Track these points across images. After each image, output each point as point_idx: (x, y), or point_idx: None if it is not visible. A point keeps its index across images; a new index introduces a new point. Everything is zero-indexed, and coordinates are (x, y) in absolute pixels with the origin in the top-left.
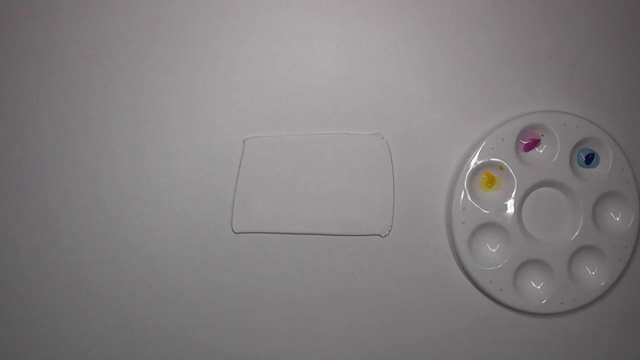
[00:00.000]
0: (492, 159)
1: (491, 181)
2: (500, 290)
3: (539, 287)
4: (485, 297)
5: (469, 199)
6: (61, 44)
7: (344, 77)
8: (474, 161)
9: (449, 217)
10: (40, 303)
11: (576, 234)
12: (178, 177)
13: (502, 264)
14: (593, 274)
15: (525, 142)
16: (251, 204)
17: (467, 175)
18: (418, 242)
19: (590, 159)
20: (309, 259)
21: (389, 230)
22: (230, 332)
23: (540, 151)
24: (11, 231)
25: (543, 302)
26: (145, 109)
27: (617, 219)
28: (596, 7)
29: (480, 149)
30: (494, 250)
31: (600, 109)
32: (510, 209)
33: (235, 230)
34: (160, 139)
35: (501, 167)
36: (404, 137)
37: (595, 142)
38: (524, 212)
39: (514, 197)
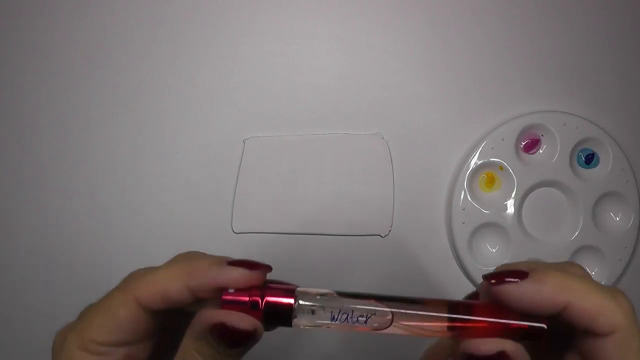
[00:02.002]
0: (492, 159)
1: (491, 181)
2: None
3: None
4: None
5: (469, 199)
6: (61, 44)
7: (344, 77)
8: (474, 161)
9: (449, 217)
10: (40, 303)
11: (576, 234)
12: (178, 177)
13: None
14: (593, 274)
15: (524, 143)
16: (251, 204)
17: (467, 175)
18: (418, 242)
19: (590, 159)
20: (309, 259)
21: (389, 230)
22: None
23: (541, 151)
24: (11, 231)
25: None
26: (145, 109)
27: (617, 219)
28: (596, 7)
29: (480, 149)
30: (494, 250)
31: (600, 109)
32: (510, 209)
33: (235, 230)
34: (160, 139)
35: (501, 167)
36: (404, 137)
37: (595, 142)
38: (524, 212)
39: (514, 197)
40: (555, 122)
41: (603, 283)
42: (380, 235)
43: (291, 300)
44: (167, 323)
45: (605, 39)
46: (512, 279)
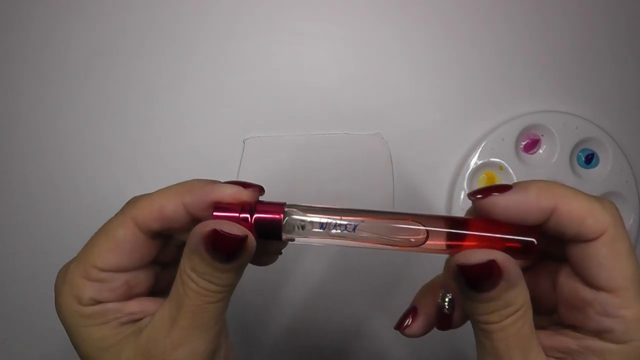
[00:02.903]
0: (492, 159)
1: (491, 181)
2: None
3: None
4: None
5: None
6: (62, 44)
7: (344, 77)
8: (474, 161)
9: None
10: (40, 303)
11: None
12: (178, 177)
13: None
14: None
15: (524, 143)
16: None
17: (467, 175)
18: None
19: (590, 159)
20: (309, 259)
21: None
22: (230, 332)
23: (541, 151)
24: (10, 231)
25: None
26: (146, 109)
27: None
28: (596, 7)
29: (480, 149)
30: None
31: (600, 109)
32: None
33: None
34: (160, 139)
35: (501, 167)
36: (404, 137)
37: (595, 142)
38: None
39: None
40: (555, 122)
41: None
42: None
43: (280, 215)
44: (167, 258)
45: (605, 39)
46: (497, 192)
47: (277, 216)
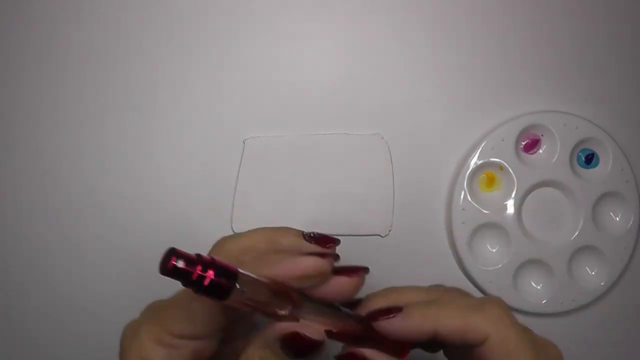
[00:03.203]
0: (492, 159)
1: (491, 181)
2: (500, 290)
3: (538, 287)
4: None
5: (469, 199)
6: (59, 44)
7: (344, 77)
8: (474, 161)
9: (449, 217)
10: (40, 303)
11: (576, 234)
12: (178, 178)
13: (502, 264)
14: (593, 274)
15: (524, 143)
16: (251, 204)
17: (467, 175)
18: (418, 242)
19: (590, 159)
20: None
21: (389, 230)
22: None
23: (541, 151)
24: (10, 231)
25: (543, 302)
26: (145, 109)
27: (617, 219)
28: (596, 7)
29: (480, 149)
30: (494, 251)
31: (600, 109)
32: (510, 209)
33: (235, 230)
34: (159, 139)
35: (501, 167)
36: (404, 137)
37: (595, 142)
38: (524, 212)
39: (514, 197)
40: (555, 122)
41: (603, 283)
42: (380, 235)
43: (234, 284)
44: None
45: (605, 38)
46: (386, 316)
47: (230, 284)
